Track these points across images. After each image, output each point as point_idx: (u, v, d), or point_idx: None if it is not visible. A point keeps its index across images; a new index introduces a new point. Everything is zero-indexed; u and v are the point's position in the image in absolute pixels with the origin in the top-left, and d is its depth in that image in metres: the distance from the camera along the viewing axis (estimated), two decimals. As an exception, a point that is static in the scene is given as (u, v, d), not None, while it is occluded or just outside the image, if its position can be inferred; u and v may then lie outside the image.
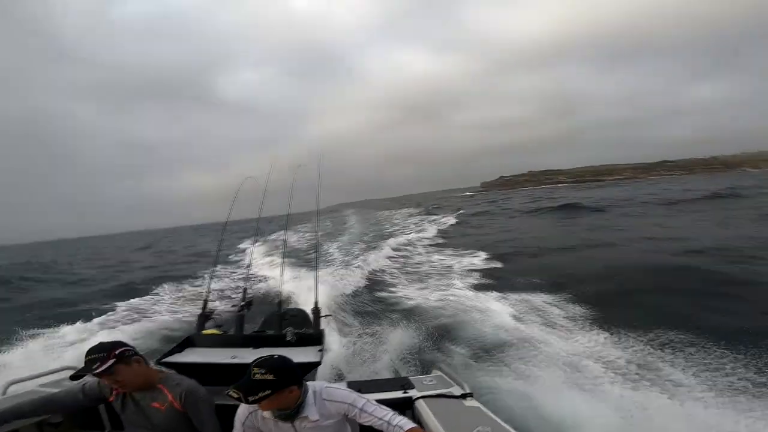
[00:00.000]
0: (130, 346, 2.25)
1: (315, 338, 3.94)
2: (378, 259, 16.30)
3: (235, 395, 1.77)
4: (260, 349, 3.64)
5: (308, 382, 2.10)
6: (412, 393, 2.77)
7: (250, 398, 1.77)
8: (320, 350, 3.65)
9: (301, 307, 6.44)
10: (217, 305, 5.25)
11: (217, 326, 4.67)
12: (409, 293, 10.87)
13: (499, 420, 2.34)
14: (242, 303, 4.89)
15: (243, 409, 2.07)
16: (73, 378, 2.35)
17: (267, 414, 2.00)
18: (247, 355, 3.42)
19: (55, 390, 2.64)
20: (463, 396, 2.70)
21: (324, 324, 4.78)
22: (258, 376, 1.81)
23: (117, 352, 2.14)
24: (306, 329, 4.46)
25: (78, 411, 2.74)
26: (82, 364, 2.08)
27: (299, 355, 3.47)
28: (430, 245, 18.77)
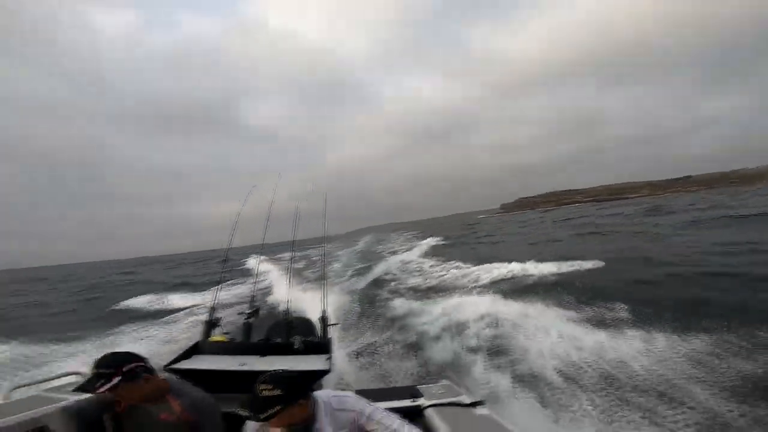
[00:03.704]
0: (142, 360, 2.15)
1: (322, 346, 3.90)
2: (387, 271, 16.66)
3: (245, 414, 1.69)
4: (267, 356, 3.61)
5: (315, 392, 2.03)
6: (421, 402, 2.71)
7: (261, 416, 1.68)
8: (328, 358, 3.61)
9: (308, 316, 6.42)
10: (224, 313, 5.23)
11: (224, 333, 4.67)
12: (415, 306, 10.91)
13: (511, 428, 2.26)
14: (249, 311, 4.89)
15: (250, 428, 1.99)
16: (77, 390, 2.26)
17: (277, 429, 1.87)
18: (254, 363, 3.39)
19: (58, 395, 2.60)
20: (473, 404, 2.63)
21: (331, 333, 4.75)
22: (265, 393, 1.72)
23: (125, 369, 2.03)
24: (313, 337, 4.43)
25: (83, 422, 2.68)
26: (85, 368, 2.02)
27: (307, 363, 3.43)
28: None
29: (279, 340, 4.39)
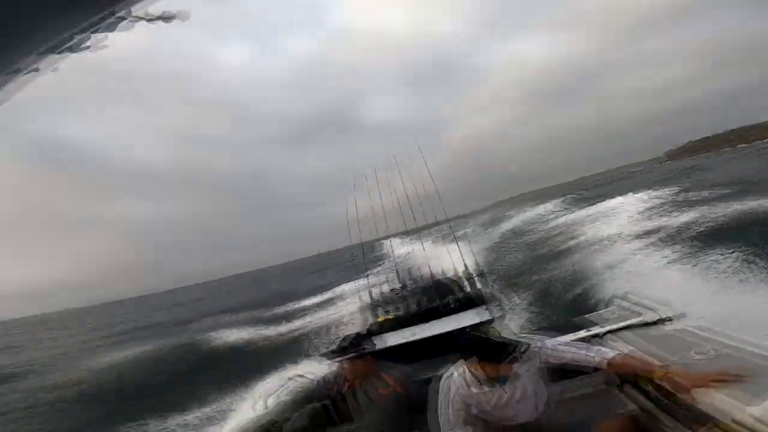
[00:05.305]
0: (370, 344, 2.52)
1: (477, 299, 3.97)
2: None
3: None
4: (430, 322, 3.82)
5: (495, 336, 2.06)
6: (597, 330, 2.51)
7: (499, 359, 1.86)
8: (486, 308, 3.67)
9: (452, 276, 6.58)
10: (379, 294, 5.73)
11: (386, 312, 5.07)
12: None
13: (719, 338, 1.91)
14: (400, 286, 5.24)
15: (448, 386, 2.08)
16: (324, 356, 2.73)
17: (475, 386, 2.00)
18: (423, 330, 3.65)
19: (290, 398, 3.07)
20: (661, 321, 2.36)
21: (480, 284, 4.80)
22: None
23: (359, 348, 2.41)
24: (465, 294, 4.54)
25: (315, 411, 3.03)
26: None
27: (468, 318, 3.54)
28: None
29: (434, 304, 4.60)
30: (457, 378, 2.07)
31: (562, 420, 2.02)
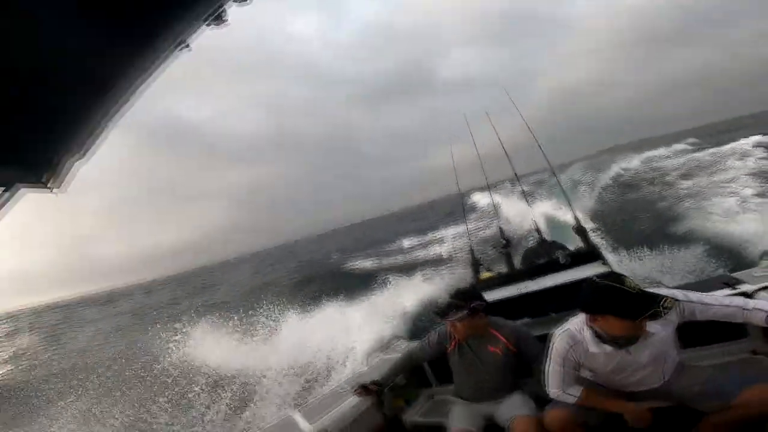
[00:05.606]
0: (483, 301, 2.35)
1: (591, 254, 3.69)
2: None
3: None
4: (537, 278, 3.59)
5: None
6: (745, 287, 2.17)
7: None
8: (603, 263, 3.41)
9: (560, 232, 6.20)
10: (480, 251, 5.69)
11: (488, 270, 4.91)
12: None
13: None
14: (503, 242, 5.11)
15: (562, 343, 1.88)
16: (435, 314, 2.56)
17: (594, 347, 1.81)
18: (535, 284, 3.44)
19: (393, 356, 3.10)
20: None
21: (594, 238, 4.46)
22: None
23: (473, 305, 2.27)
24: (577, 249, 4.27)
25: (414, 371, 2.99)
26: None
27: (584, 273, 3.26)
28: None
29: (542, 260, 4.37)
30: (573, 334, 1.87)
31: (694, 387, 1.78)
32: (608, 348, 1.78)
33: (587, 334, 1.82)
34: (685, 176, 14.29)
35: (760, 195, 8.62)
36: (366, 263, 16.37)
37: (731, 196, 9.05)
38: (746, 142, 16.31)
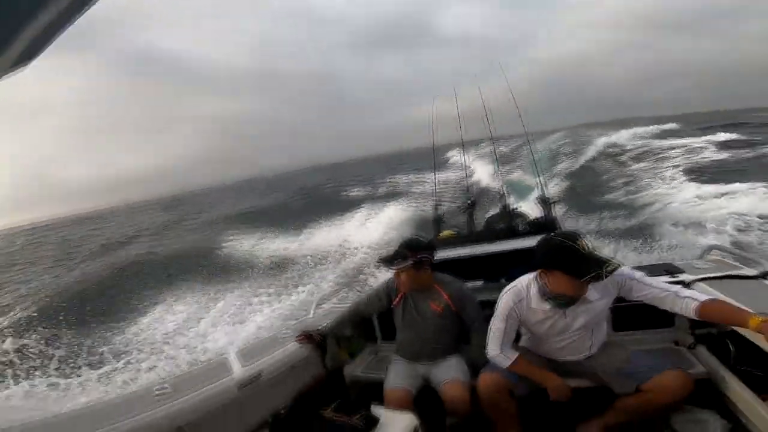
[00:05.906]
0: (431, 253, 2.27)
1: (548, 225, 3.74)
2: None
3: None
4: (495, 243, 3.60)
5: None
6: (684, 277, 2.21)
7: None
8: None
9: (524, 200, 6.25)
10: (445, 208, 5.62)
11: (451, 228, 4.87)
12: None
13: None
14: (468, 202, 5.08)
15: (508, 300, 1.90)
16: (380, 261, 2.45)
17: (536, 304, 1.85)
18: (490, 247, 3.42)
19: (343, 306, 2.99)
20: (764, 275, 2.04)
21: (555, 211, 4.51)
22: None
23: (419, 255, 2.18)
24: (537, 218, 4.31)
25: (362, 324, 2.90)
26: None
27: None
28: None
29: (502, 226, 4.39)
30: (519, 290, 1.89)
31: (613, 366, 1.87)
32: (548, 306, 1.83)
33: (533, 290, 1.86)
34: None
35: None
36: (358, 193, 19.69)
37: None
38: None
